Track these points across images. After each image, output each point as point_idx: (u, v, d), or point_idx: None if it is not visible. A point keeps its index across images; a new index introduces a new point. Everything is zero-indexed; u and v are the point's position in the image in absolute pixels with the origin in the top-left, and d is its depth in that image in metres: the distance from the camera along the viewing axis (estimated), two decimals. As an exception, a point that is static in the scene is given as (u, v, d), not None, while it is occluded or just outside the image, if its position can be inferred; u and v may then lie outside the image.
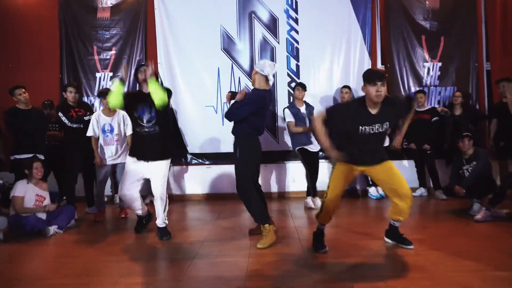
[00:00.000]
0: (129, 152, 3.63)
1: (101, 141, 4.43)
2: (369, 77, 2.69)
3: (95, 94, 5.66)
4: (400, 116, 3.04)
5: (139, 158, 3.44)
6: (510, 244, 3.08)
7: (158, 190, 3.48)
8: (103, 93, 4.45)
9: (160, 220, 3.54)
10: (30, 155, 4.26)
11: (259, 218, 3.31)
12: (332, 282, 2.39)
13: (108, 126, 4.42)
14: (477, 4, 5.72)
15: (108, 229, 4.14)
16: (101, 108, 4.69)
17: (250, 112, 3.22)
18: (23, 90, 4.45)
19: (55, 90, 5.62)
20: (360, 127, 2.72)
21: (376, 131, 2.74)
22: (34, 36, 5.72)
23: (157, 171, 3.46)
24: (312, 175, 4.84)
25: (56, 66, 5.70)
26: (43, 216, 3.84)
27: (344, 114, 2.82)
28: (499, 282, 2.29)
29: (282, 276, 2.51)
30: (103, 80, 5.72)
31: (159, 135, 3.41)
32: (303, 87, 4.94)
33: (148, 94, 3.26)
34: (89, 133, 4.38)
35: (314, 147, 4.82)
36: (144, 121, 3.39)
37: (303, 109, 4.90)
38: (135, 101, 3.42)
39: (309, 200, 4.81)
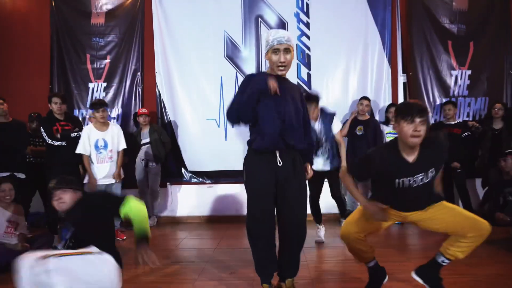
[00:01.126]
0: None
1: (93, 159, 3.98)
2: (405, 111, 2.03)
3: (87, 106, 5.21)
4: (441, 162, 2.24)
5: None
6: None
7: None
8: (96, 105, 4.02)
9: None
10: (6, 174, 3.80)
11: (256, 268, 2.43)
12: None
13: (101, 141, 4.02)
14: (511, 5, 5.14)
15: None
16: (91, 121, 4.24)
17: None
18: (1, 101, 4.02)
19: (44, 101, 5.13)
20: (397, 180, 2.11)
21: (420, 183, 2.11)
22: (22, 43, 5.34)
23: None
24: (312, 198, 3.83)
25: (46, 76, 5.29)
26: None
27: (372, 168, 2.16)
28: None
29: None
30: (96, 91, 5.28)
31: None
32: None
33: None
34: (79, 150, 3.95)
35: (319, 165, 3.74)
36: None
37: (316, 125, 3.77)
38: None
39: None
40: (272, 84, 2.15)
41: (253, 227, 2.28)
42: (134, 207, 2.02)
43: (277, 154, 2.25)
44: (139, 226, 1.99)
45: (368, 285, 2.40)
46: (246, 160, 2.36)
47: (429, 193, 2.20)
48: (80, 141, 3.96)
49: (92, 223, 2.08)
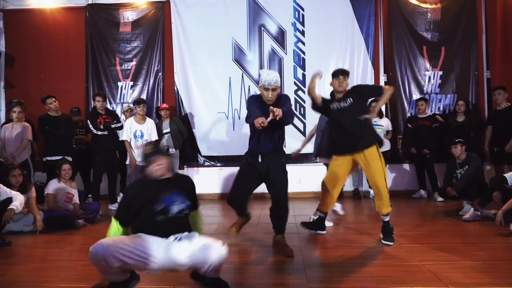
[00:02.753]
0: None
1: (132, 145, 5.00)
2: (334, 73, 3.49)
3: (117, 101, 6.19)
4: (367, 94, 3.49)
5: None
6: (487, 239, 3.37)
7: None
8: (138, 102, 5.03)
9: None
10: (60, 157, 4.78)
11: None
12: (325, 278, 2.75)
13: (139, 132, 5.03)
14: (477, 15, 5.97)
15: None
16: (125, 115, 5.28)
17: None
18: (54, 99, 4.99)
19: (81, 98, 6.19)
20: (331, 105, 3.45)
21: (343, 107, 3.37)
22: (63, 49, 6.31)
23: None
24: None
25: (83, 76, 6.27)
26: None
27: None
28: (467, 269, 2.60)
29: (276, 271, 2.89)
30: (125, 88, 6.24)
31: None
32: None
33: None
34: (124, 137, 5.00)
35: None
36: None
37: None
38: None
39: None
40: (258, 124, 2.72)
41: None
42: (200, 214, 2.53)
43: (259, 157, 3.15)
44: (198, 228, 2.42)
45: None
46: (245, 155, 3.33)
47: (361, 132, 3.32)
48: (124, 131, 5.00)
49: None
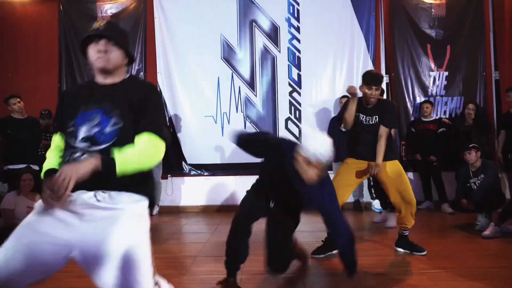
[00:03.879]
0: None
1: None
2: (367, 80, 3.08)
3: (94, 103, 5.61)
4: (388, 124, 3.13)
5: None
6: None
7: None
8: None
9: None
10: (23, 165, 4.20)
11: None
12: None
13: None
14: (484, 12, 5.56)
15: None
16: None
17: None
18: (18, 99, 4.43)
19: (53, 99, 5.55)
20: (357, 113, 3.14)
21: (369, 123, 3.11)
22: (33, 45, 5.71)
23: None
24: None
25: (55, 75, 5.67)
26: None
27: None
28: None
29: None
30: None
31: None
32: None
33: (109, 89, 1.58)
34: None
35: None
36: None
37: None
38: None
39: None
40: None
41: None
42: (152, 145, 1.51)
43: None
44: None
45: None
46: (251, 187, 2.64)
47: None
48: None
49: None
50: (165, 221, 4.94)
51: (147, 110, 1.50)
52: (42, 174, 1.54)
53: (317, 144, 2.04)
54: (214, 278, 2.65)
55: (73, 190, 1.30)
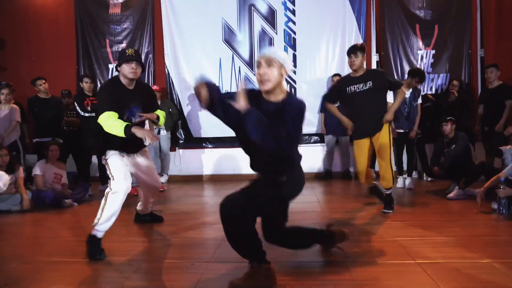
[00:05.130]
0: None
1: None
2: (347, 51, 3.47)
3: (108, 83, 6.20)
4: (390, 86, 3.48)
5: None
6: (467, 216, 3.40)
7: None
8: None
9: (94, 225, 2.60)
10: (49, 139, 4.82)
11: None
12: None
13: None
14: (472, -8, 5.83)
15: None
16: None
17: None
18: (43, 81, 5.01)
19: (72, 80, 6.20)
20: (347, 88, 3.44)
21: (362, 89, 3.38)
22: (53, 32, 6.29)
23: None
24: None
25: (73, 59, 6.26)
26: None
27: (337, 86, 3.66)
28: (438, 244, 2.62)
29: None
30: (115, 71, 6.22)
31: None
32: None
33: (135, 90, 2.79)
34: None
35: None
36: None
37: (408, 93, 4.89)
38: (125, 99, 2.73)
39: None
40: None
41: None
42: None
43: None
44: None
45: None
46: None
47: (377, 113, 3.44)
48: None
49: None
50: (174, 188, 5.57)
51: (153, 102, 2.97)
52: (124, 127, 2.46)
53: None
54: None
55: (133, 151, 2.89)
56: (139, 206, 3.37)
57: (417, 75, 4.86)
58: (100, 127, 2.58)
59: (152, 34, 6.19)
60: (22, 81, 5.77)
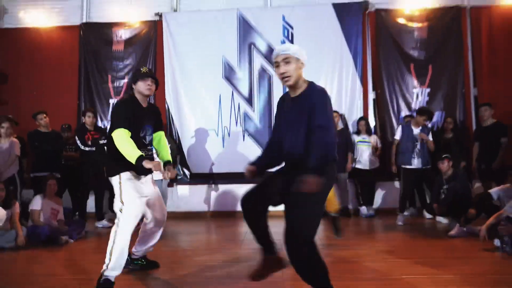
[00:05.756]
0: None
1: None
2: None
3: (108, 118, 6.24)
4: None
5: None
6: (471, 254, 3.37)
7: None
8: None
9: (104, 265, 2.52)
10: (47, 173, 4.78)
11: None
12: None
13: None
14: (463, 34, 6.05)
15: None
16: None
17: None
18: (44, 115, 5.05)
19: (73, 114, 6.25)
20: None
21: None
22: (56, 67, 6.39)
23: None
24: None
25: (75, 94, 6.34)
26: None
27: None
28: (445, 282, 2.59)
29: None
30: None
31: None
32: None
33: (148, 108, 2.83)
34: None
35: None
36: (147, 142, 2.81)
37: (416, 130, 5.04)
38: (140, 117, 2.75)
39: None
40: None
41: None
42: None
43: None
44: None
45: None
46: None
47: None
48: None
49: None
50: (172, 225, 5.47)
51: (159, 122, 3.01)
52: (137, 157, 2.47)
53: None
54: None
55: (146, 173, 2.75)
56: (134, 248, 3.02)
57: (425, 113, 4.99)
58: (114, 147, 2.57)
59: (154, 70, 6.31)
60: (23, 115, 5.79)
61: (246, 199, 2.16)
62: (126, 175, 2.62)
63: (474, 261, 3.15)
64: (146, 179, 2.81)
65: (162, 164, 2.72)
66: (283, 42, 6.17)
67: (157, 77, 6.01)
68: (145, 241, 3.02)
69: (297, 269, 2.02)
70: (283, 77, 2.13)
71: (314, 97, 2.11)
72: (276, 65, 2.16)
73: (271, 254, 2.23)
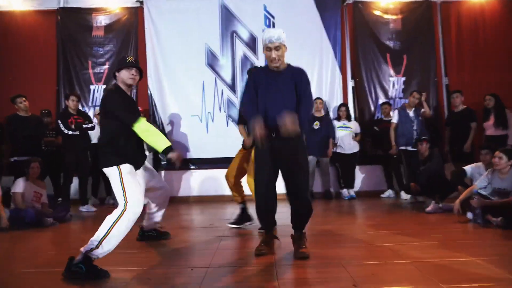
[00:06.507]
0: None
1: None
2: None
3: (89, 104, 6.18)
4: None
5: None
6: (445, 225, 3.62)
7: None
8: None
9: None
10: (27, 157, 4.68)
11: None
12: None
13: None
14: (434, 26, 6.40)
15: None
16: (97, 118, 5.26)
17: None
18: (24, 98, 4.94)
19: (52, 101, 6.13)
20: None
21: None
22: (33, 52, 6.24)
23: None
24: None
25: (54, 80, 6.20)
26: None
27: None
28: (425, 247, 2.78)
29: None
30: (97, 92, 6.23)
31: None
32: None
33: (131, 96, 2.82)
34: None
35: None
36: None
37: (411, 112, 5.52)
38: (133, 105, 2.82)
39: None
40: (257, 137, 2.46)
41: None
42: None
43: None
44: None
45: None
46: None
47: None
48: None
49: None
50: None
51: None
52: (168, 145, 2.54)
53: (265, 33, 2.58)
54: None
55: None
56: (145, 222, 3.19)
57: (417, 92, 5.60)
58: (110, 138, 2.52)
59: (136, 57, 6.24)
60: (0, 102, 5.64)
61: (260, 184, 2.64)
62: (125, 169, 2.48)
63: (449, 231, 3.39)
64: (139, 171, 2.70)
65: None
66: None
67: (139, 63, 6.12)
68: (152, 214, 3.18)
69: (302, 217, 2.71)
70: (273, 61, 2.58)
71: (298, 72, 2.71)
72: (266, 48, 2.57)
73: (271, 231, 2.82)
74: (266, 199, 2.66)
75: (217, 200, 5.91)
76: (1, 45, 6.23)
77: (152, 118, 6.17)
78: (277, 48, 2.54)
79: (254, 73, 2.80)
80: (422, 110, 5.55)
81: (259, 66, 2.97)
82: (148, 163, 2.96)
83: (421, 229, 3.49)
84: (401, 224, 3.80)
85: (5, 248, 3.29)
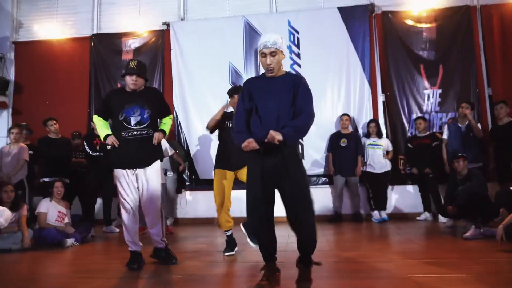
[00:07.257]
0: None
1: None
2: None
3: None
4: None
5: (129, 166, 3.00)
6: (486, 255, 3.18)
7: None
8: None
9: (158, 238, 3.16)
10: (56, 178, 4.82)
11: None
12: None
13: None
14: (474, 32, 5.92)
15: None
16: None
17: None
18: (54, 121, 5.14)
19: (83, 123, 6.35)
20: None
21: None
22: (68, 77, 6.58)
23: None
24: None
25: (85, 102, 6.46)
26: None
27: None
28: (455, 281, 2.42)
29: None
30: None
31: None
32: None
33: (136, 94, 3.01)
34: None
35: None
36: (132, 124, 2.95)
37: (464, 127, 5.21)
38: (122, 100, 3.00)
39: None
40: (246, 148, 2.26)
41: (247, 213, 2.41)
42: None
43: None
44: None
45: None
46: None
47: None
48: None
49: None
50: (182, 230, 5.43)
51: (162, 104, 3.20)
52: (103, 136, 2.96)
53: (261, 38, 2.40)
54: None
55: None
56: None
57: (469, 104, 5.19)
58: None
59: (162, 78, 6.40)
60: (36, 124, 5.91)
61: (254, 208, 2.35)
62: (117, 173, 3.03)
63: (488, 261, 2.96)
64: (140, 174, 3.05)
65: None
66: (289, 47, 6.17)
67: (164, 83, 6.22)
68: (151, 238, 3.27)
69: (307, 236, 2.30)
70: (269, 68, 2.37)
71: (297, 79, 2.43)
72: (262, 55, 2.37)
73: (273, 261, 2.45)
74: (257, 218, 2.35)
75: (242, 221, 5.71)
76: (40, 72, 6.63)
77: (177, 138, 6.19)
78: (272, 53, 2.32)
79: (248, 82, 2.51)
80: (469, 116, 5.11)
81: (255, 76, 2.71)
82: (154, 173, 3.09)
83: (456, 258, 3.10)
84: (434, 251, 3.41)
85: (24, 269, 3.31)
